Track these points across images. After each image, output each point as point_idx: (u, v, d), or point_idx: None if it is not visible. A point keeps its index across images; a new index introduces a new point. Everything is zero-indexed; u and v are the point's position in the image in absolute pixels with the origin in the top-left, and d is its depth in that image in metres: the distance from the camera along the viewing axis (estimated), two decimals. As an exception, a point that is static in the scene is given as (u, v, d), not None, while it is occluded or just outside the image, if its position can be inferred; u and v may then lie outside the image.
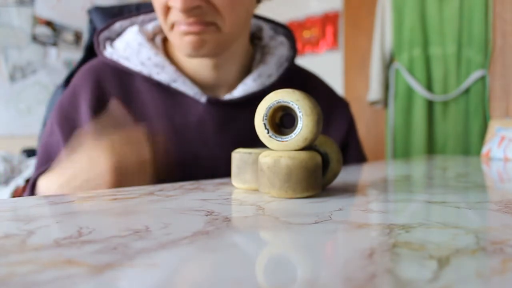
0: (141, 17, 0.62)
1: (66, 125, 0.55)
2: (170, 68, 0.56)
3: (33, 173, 0.55)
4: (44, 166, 0.54)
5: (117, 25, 0.60)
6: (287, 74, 0.63)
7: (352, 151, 0.70)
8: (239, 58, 0.60)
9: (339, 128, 0.67)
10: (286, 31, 0.66)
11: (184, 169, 0.55)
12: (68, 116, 0.56)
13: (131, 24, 0.61)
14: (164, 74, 0.56)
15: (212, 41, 0.51)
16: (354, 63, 2.23)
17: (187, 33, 0.50)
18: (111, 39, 0.61)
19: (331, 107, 0.68)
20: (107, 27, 0.60)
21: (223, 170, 0.55)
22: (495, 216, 0.23)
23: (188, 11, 0.47)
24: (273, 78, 0.60)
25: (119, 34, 0.61)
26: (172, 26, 0.51)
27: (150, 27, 0.60)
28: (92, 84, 0.57)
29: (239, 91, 0.58)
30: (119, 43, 0.59)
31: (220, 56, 0.56)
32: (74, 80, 0.59)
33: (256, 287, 0.12)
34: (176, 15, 0.49)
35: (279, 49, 0.63)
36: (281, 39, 0.64)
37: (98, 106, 0.55)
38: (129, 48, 0.57)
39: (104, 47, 0.59)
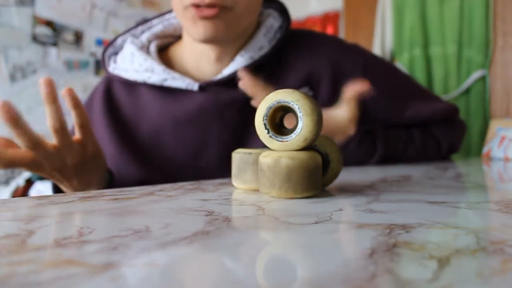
0: (140, 28, 0.64)
1: None
2: (158, 69, 0.57)
3: None
4: None
5: (119, 40, 0.63)
6: (280, 44, 0.61)
7: (378, 101, 0.63)
8: (240, 49, 0.60)
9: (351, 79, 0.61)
10: (276, 4, 0.64)
11: (197, 156, 0.57)
12: None
13: (130, 36, 0.64)
14: (155, 76, 0.57)
15: (225, 26, 0.53)
16: (354, 63, 2.22)
17: (201, 18, 0.51)
18: (117, 54, 0.64)
19: (338, 61, 0.62)
20: (111, 43, 0.63)
21: (232, 150, 0.56)
22: (495, 216, 0.23)
23: None
24: (264, 50, 0.60)
25: (122, 47, 0.64)
26: (185, 8, 0.52)
27: (144, 36, 0.62)
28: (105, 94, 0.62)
29: (229, 69, 0.58)
30: (119, 56, 0.62)
31: (228, 43, 0.57)
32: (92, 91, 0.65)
33: (256, 287, 0.12)
34: None
35: (266, 20, 0.62)
36: (269, 11, 0.64)
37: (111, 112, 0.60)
38: (126, 60, 0.60)
39: (109, 63, 0.63)
